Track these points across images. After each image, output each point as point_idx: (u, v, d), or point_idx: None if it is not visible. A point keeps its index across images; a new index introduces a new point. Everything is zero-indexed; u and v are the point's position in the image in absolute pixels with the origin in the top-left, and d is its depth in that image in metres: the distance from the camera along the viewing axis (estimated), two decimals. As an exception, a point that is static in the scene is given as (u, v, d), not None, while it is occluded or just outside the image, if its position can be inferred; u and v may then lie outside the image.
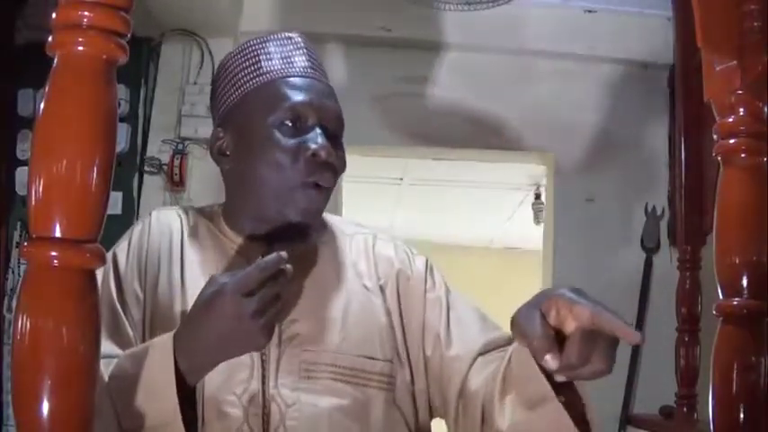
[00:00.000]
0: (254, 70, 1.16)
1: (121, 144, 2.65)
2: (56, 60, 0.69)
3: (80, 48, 0.68)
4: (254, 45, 1.19)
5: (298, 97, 1.13)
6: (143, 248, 1.16)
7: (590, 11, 2.94)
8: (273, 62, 1.16)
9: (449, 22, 2.83)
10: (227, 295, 0.95)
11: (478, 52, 2.92)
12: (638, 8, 2.91)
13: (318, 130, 1.12)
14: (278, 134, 1.12)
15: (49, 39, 0.69)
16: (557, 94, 2.91)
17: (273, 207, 1.14)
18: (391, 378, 1.14)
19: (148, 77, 2.78)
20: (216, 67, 1.29)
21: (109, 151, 0.68)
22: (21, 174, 2.59)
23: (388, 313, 1.17)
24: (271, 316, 0.96)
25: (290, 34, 1.20)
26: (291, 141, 1.12)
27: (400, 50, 2.89)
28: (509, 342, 1.10)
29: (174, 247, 1.17)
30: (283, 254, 0.96)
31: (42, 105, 0.68)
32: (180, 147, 2.74)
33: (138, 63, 2.72)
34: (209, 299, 0.97)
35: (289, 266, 0.97)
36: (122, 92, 2.64)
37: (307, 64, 1.17)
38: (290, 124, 1.12)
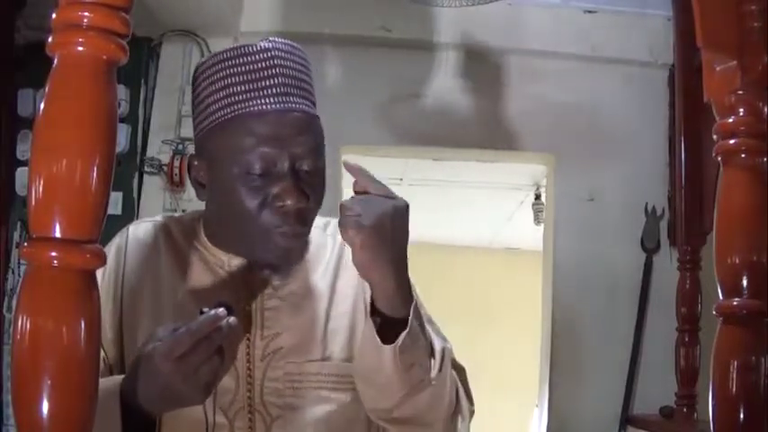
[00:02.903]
0: (222, 98, 1.08)
1: (121, 144, 2.65)
2: (56, 60, 0.69)
3: (80, 48, 0.68)
4: (225, 63, 1.09)
5: (265, 143, 1.06)
6: (119, 267, 1.14)
7: (590, 11, 2.94)
8: (242, 89, 1.07)
9: (449, 22, 2.82)
10: (157, 359, 0.92)
11: (478, 52, 2.91)
12: (638, 8, 2.91)
13: (289, 176, 1.07)
14: (245, 183, 1.07)
15: (49, 39, 0.69)
16: (557, 94, 2.91)
17: (247, 249, 1.12)
18: None
19: (148, 77, 2.78)
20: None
21: (109, 151, 0.68)
22: (21, 174, 2.59)
23: (366, 309, 1.15)
24: (205, 375, 0.93)
25: (266, 44, 1.10)
26: (259, 191, 1.07)
27: (400, 50, 2.89)
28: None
29: (153, 263, 1.15)
30: (221, 311, 0.93)
31: (42, 105, 0.68)
32: (180, 147, 2.74)
33: (137, 63, 2.71)
34: (143, 359, 0.95)
35: (231, 320, 0.94)
36: (122, 92, 2.64)
37: (279, 90, 1.08)
38: (257, 171, 1.07)
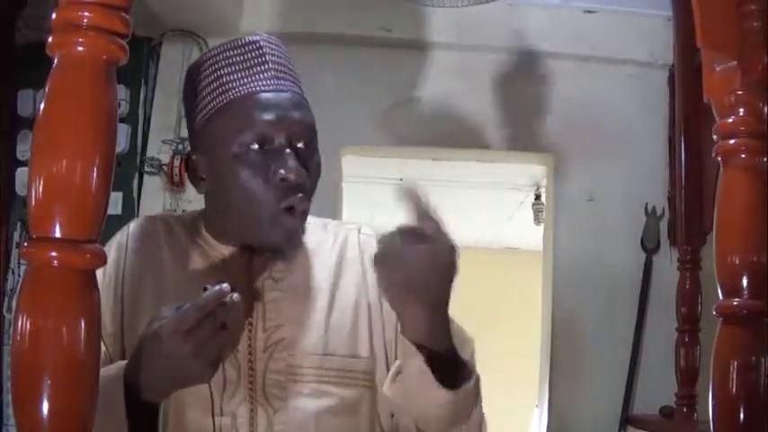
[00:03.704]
0: (216, 88, 1.12)
1: (121, 144, 2.65)
2: (56, 60, 0.69)
3: (80, 48, 0.68)
4: (216, 57, 1.14)
5: (262, 119, 1.09)
6: (120, 263, 1.15)
7: (590, 11, 2.93)
8: (235, 77, 1.11)
9: (449, 22, 2.82)
10: (164, 336, 0.93)
11: (478, 52, 2.91)
12: (638, 8, 2.91)
13: (288, 150, 1.10)
14: (245, 161, 1.09)
15: (49, 39, 0.69)
16: (556, 94, 2.91)
17: (250, 233, 1.13)
18: (372, 375, 1.15)
19: (148, 77, 2.79)
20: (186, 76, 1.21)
21: (109, 151, 0.68)
22: (21, 174, 2.59)
23: (369, 308, 1.18)
24: (212, 350, 0.94)
25: (253, 38, 1.15)
26: (260, 167, 1.09)
27: (400, 51, 2.89)
28: None
29: (155, 258, 1.16)
30: (225, 286, 0.95)
31: (42, 105, 0.68)
32: (180, 147, 2.74)
33: (138, 63, 2.72)
34: (149, 338, 0.95)
35: (235, 296, 0.95)
36: (122, 92, 2.64)
37: (271, 74, 1.12)
38: (256, 147, 1.09)
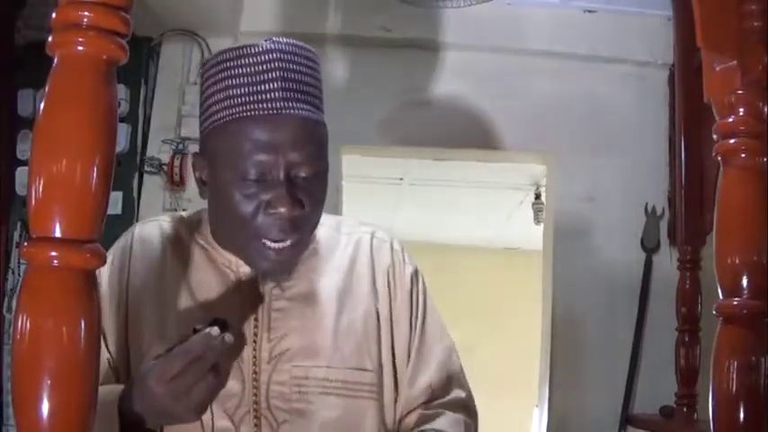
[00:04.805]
0: (222, 100, 1.06)
1: (121, 144, 2.65)
2: (56, 60, 0.69)
3: (80, 48, 0.68)
4: (228, 63, 1.07)
5: (261, 149, 1.04)
6: (124, 268, 1.14)
7: (590, 11, 2.93)
8: (241, 92, 1.05)
9: (449, 22, 2.82)
10: (149, 381, 0.95)
11: (478, 52, 2.91)
12: (638, 8, 2.91)
13: (283, 184, 1.05)
14: (240, 188, 1.06)
15: (49, 39, 0.69)
16: (557, 94, 2.91)
17: (244, 255, 1.12)
18: (379, 387, 1.14)
19: (148, 77, 2.79)
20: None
21: (109, 151, 0.68)
22: (21, 174, 2.59)
23: (378, 318, 1.16)
24: (197, 396, 0.95)
25: (268, 45, 1.07)
26: (253, 198, 1.06)
27: (400, 50, 2.89)
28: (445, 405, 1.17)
29: (159, 264, 1.14)
30: (215, 329, 0.96)
31: (42, 105, 0.68)
32: (180, 147, 2.74)
33: (138, 63, 2.72)
34: (138, 380, 0.98)
35: (226, 337, 0.96)
36: (122, 92, 2.64)
37: (278, 95, 1.05)
38: (253, 178, 1.05)
